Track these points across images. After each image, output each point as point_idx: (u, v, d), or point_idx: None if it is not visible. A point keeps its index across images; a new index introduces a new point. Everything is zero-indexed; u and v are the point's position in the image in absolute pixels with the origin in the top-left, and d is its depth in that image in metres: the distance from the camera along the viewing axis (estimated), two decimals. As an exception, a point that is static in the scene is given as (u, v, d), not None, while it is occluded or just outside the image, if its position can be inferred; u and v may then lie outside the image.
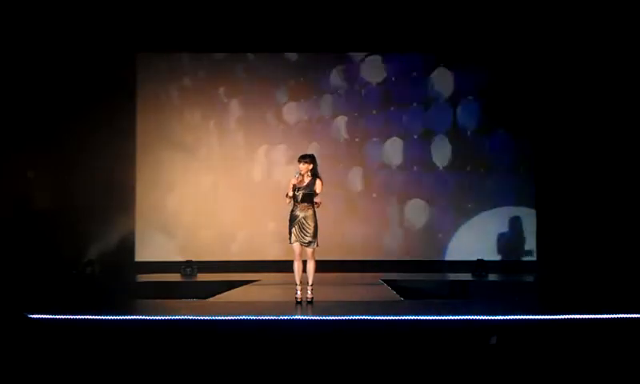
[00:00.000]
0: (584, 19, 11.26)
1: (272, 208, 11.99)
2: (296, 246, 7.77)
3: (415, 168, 12.81)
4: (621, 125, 11.18)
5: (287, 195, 7.71)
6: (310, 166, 7.75)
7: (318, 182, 7.76)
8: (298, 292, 7.84)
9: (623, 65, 11.11)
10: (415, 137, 12.82)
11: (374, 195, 12.85)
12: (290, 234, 7.76)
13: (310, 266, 7.81)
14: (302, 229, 7.71)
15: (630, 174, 11.07)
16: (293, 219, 7.75)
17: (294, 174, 7.71)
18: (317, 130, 12.95)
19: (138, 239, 12.75)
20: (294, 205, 7.74)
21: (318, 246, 7.78)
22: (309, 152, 8.11)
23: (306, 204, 7.73)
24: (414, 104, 12.84)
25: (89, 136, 11.84)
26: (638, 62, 10.96)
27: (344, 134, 12.92)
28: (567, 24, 11.54)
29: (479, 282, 11.08)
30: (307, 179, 7.74)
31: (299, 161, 7.78)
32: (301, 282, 7.87)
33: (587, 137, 11.54)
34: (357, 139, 12.92)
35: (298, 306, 7.64)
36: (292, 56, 13.05)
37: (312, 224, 7.73)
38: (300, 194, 7.71)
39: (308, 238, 7.71)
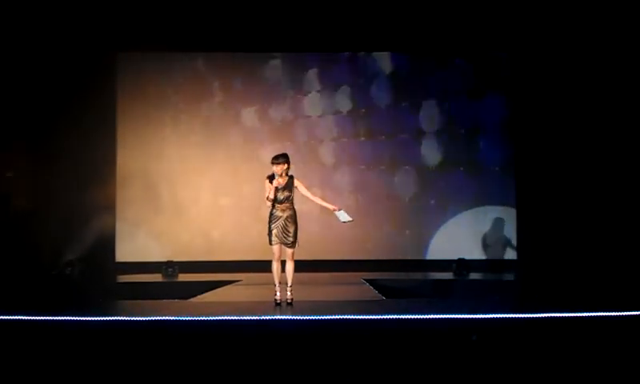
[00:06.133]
0: (563, 18, 11.35)
1: (253, 208, 12.01)
2: (276, 247, 7.76)
3: (397, 168, 12.85)
4: (601, 123, 11.28)
5: (268, 198, 7.70)
6: (285, 166, 7.72)
7: (298, 183, 7.78)
8: (278, 293, 7.84)
9: (603, 64, 11.20)
10: (399, 137, 12.86)
11: (352, 194, 12.88)
12: (271, 234, 7.74)
13: (290, 266, 7.81)
14: (283, 229, 7.71)
15: (610, 173, 11.18)
16: (273, 220, 7.74)
17: (273, 176, 7.67)
18: (299, 129, 12.96)
19: (119, 240, 12.66)
20: (274, 206, 7.74)
21: (298, 245, 7.79)
22: (282, 152, 7.95)
23: (286, 205, 7.74)
24: (391, 103, 12.88)
25: (68, 136, 11.75)
26: (618, 61, 11.07)
27: (327, 134, 12.93)
28: (547, 23, 11.61)
29: (460, 281, 11.15)
30: (284, 179, 7.73)
31: (273, 163, 7.71)
32: (280, 283, 7.87)
33: (567, 136, 11.63)
34: (343, 139, 12.94)
35: (278, 307, 7.63)
36: (275, 55, 13.04)
37: (293, 224, 7.74)
38: (280, 195, 7.71)
39: (290, 238, 7.71)
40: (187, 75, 13.02)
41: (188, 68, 13.03)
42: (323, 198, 8.07)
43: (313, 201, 7.91)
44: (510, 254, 12.58)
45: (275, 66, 13.06)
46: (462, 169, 12.76)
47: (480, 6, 11.63)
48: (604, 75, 11.19)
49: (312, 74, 13.03)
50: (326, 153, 12.94)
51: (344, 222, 7.99)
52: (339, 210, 7.93)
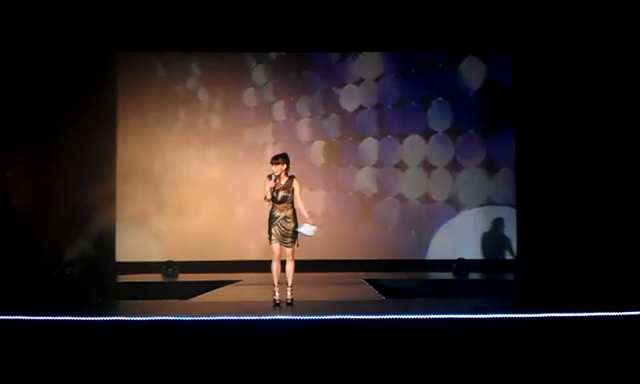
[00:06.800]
0: (567, 19, 11.35)
1: (254, 208, 12.00)
2: (275, 246, 7.76)
3: (396, 167, 12.85)
4: (601, 124, 11.28)
5: (266, 198, 7.71)
6: (284, 166, 7.73)
7: (296, 183, 7.76)
8: (277, 293, 7.84)
9: (604, 65, 11.21)
10: (394, 136, 12.86)
11: (351, 194, 12.88)
12: (270, 234, 7.75)
13: (290, 266, 7.82)
14: (282, 229, 7.71)
15: (610, 173, 11.18)
16: (273, 220, 7.74)
17: (271, 176, 7.69)
18: (300, 129, 12.96)
19: (119, 239, 12.66)
20: (274, 205, 7.74)
21: (298, 246, 7.81)
22: (282, 152, 8.00)
23: (285, 204, 7.74)
24: (392, 104, 12.87)
25: (68, 136, 11.75)
26: (618, 60, 11.08)
27: (328, 134, 12.93)
28: (551, 24, 11.60)
29: (460, 281, 11.15)
30: (284, 179, 7.74)
31: (272, 163, 7.74)
32: (279, 283, 7.87)
33: (567, 135, 11.64)
34: (339, 139, 12.94)
35: (277, 307, 7.63)
36: (274, 55, 13.06)
37: (292, 224, 7.75)
38: (279, 195, 7.71)
39: (289, 239, 7.72)
40: (187, 75, 13.02)
41: (188, 68, 13.03)
42: (306, 206, 7.92)
43: (298, 204, 7.82)
44: (510, 254, 12.58)
45: (277, 65, 13.06)
46: (462, 169, 12.75)
47: (485, 6, 11.63)
48: (604, 76, 11.20)
49: (315, 72, 13.04)
50: (326, 153, 12.94)
51: (301, 233, 7.81)
52: (311, 224, 7.78)
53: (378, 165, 12.88)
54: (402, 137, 12.85)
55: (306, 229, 7.74)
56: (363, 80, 12.95)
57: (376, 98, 12.93)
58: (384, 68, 12.95)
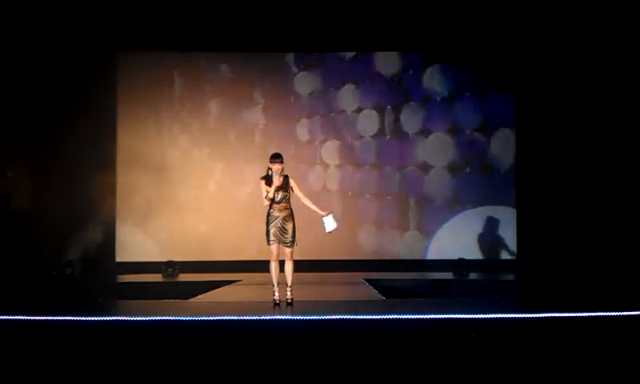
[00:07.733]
0: (565, 16, 11.36)
1: (253, 208, 11.99)
2: (274, 247, 7.74)
3: (396, 167, 12.85)
4: (601, 125, 11.29)
5: (267, 198, 7.68)
6: (282, 165, 7.73)
7: (294, 182, 7.77)
8: (276, 293, 7.84)
9: (604, 67, 11.22)
10: (395, 136, 12.85)
11: (352, 194, 12.88)
12: (268, 234, 7.74)
13: (289, 266, 7.80)
14: (281, 229, 7.70)
15: (610, 173, 11.19)
16: (271, 220, 7.74)
17: (270, 176, 7.67)
18: (295, 130, 12.95)
19: (119, 240, 12.66)
20: (272, 206, 7.73)
21: (297, 245, 7.79)
22: (278, 151, 7.92)
23: (283, 204, 7.73)
24: (392, 104, 12.88)
25: (68, 136, 11.75)
26: (619, 63, 11.09)
27: (330, 134, 12.93)
28: (547, 21, 11.61)
29: (460, 281, 11.15)
30: (280, 179, 7.71)
31: (273, 161, 7.70)
32: (278, 283, 7.87)
33: (568, 136, 11.65)
34: (335, 139, 12.94)
35: (277, 307, 7.63)
36: (274, 55, 13.05)
37: (291, 224, 7.74)
38: (278, 195, 7.70)
39: (288, 238, 7.71)
40: (187, 75, 13.01)
41: (188, 68, 13.02)
42: (315, 202, 7.95)
43: (304, 202, 7.84)
44: (510, 254, 12.58)
45: (278, 65, 13.05)
46: (462, 169, 12.74)
47: (487, 7, 11.63)
48: (604, 78, 11.21)
49: (314, 72, 13.02)
50: (328, 153, 12.93)
51: (329, 232, 7.86)
52: (328, 214, 7.83)
53: (379, 165, 12.87)
54: (402, 138, 12.85)
55: (330, 223, 7.75)
56: (374, 78, 12.94)
57: (377, 99, 12.92)
58: (392, 66, 12.94)
